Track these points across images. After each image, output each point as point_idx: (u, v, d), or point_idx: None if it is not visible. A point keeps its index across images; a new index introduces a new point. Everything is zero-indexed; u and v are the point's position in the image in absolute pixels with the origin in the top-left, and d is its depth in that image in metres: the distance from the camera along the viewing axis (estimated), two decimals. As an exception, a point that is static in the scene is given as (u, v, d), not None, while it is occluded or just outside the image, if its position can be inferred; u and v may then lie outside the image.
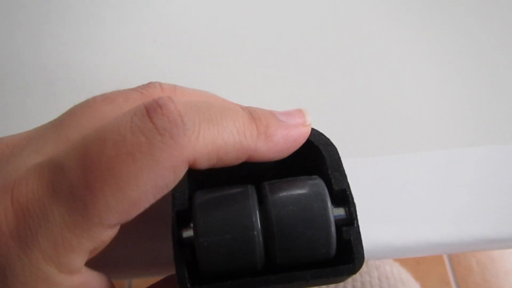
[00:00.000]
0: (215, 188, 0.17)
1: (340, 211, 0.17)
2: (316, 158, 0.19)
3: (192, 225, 0.17)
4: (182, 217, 0.17)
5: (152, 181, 0.15)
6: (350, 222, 0.17)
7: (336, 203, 0.17)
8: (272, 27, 0.28)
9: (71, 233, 0.15)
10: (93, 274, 0.17)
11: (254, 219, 0.16)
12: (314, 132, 0.19)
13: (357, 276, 0.45)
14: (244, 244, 0.16)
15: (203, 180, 0.18)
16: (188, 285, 0.16)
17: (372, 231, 0.22)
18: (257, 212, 0.16)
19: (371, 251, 0.22)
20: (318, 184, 0.17)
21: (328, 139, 0.19)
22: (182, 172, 0.16)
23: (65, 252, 0.15)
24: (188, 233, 0.17)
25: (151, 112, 0.15)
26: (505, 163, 0.24)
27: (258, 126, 0.17)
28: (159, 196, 0.16)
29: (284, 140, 0.18)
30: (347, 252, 0.17)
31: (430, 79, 0.26)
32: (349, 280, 0.44)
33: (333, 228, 0.16)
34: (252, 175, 0.18)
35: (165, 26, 0.28)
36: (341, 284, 0.44)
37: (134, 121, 0.15)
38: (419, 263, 0.87)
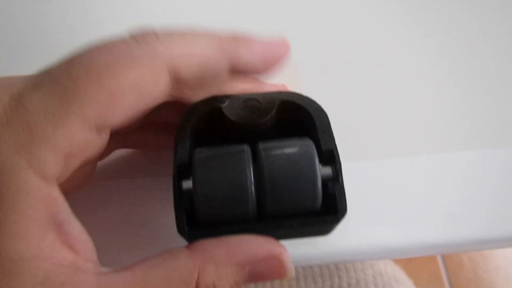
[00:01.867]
0: (214, 146, 0.19)
1: (327, 169, 0.19)
2: (308, 122, 0.20)
3: (191, 177, 0.18)
4: (183, 170, 0.18)
5: (130, 77, 0.16)
6: (335, 179, 0.18)
7: (324, 162, 0.19)
8: (269, 28, 0.29)
9: (48, 121, 0.15)
10: (64, 205, 0.17)
11: (248, 172, 0.18)
12: (307, 99, 0.20)
13: (352, 273, 0.45)
14: (238, 194, 0.18)
15: (204, 141, 0.20)
16: (186, 229, 0.18)
17: (368, 233, 0.23)
18: (251, 166, 0.18)
19: (367, 252, 0.22)
20: (307, 143, 0.19)
21: (320, 106, 0.20)
22: (162, 80, 0.17)
23: (38, 141, 0.15)
24: (187, 184, 0.18)
25: (131, 33, 0.18)
26: (496, 166, 0.24)
27: (236, 37, 0.19)
28: (141, 103, 0.17)
29: (264, 50, 0.19)
30: (332, 205, 0.18)
31: (424, 84, 0.27)
32: (344, 277, 0.45)
33: (319, 182, 0.18)
34: (249, 137, 0.20)
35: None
36: (336, 281, 0.44)
37: (116, 38, 0.17)
38: (412, 260, 0.88)
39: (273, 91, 0.20)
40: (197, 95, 0.20)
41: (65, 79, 0.16)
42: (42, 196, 0.16)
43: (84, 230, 0.17)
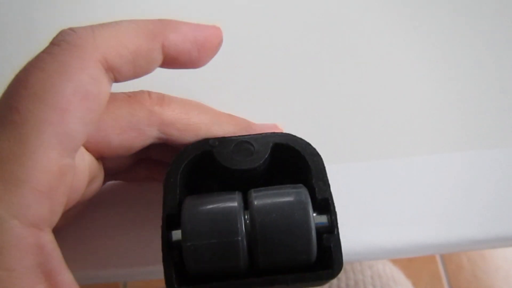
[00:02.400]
0: (205, 194, 0.18)
1: (323, 219, 0.18)
2: (302, 167, 0.19)
3: (181, 228, 0.17)
4: (172, 221, 0.18)
5: (70, 86, 0.16)
6: (331, 230, 0.18)
7: (319, 211, 0.18)
8: (265, 31, 0.29)
9: (13, 163, 0.15)
10: (55, 252, 0.16)
11: (239, 225, 0.17)
12: (301, 142, 0.20)
13: (351, 274, 0.45)
14: (229, 248, 0.17)
15: (196, 185, 0.19)
16: (175, 285, 0.17)
17: (365, 233, 0.23)
18: (242, 218, 0.17)
19: (364, 252, 0.22)
20: (301, 192, 0.18)
21: (315, 149, 0.19)
22: (100, 77, 0.16)
23: (13, 188, 0.14)
24: (177, 235, 0.17)
25: (52, 41, 0.17)
26: (493, 166, 0.24)
27: (164, 22, 0.18)
28: (92, 105, 0.16)
29: (194, 32, 0.19)
30: (327, 258, 0.18)
31: (421, 85, 0.27)
32: (343, 278, 0.45)
33: (313, 236, 0.17)
34: (241, 184, 0.19)
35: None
36: (335, 282, 0.44)
37: (39, 53, 0.17)
38: (411, 261, 0.88)
39: (266, 133, 0.20)
40: (184, 137, 0.19)
41: (8, 115, 0.15)
42: (29, 245, 0.15)
43: (73, 280, 0.16)
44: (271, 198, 0.18)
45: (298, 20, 0.29)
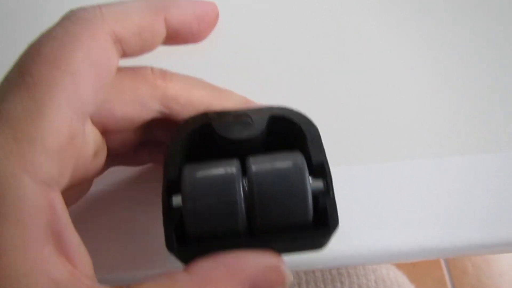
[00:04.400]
0: (204, 162, 0.19)
1: (319, 182, 0.18)
2: (298, 136, 0.20)
3: (181, 193, 0.18)
4: (173, 187, 0.18)
5: (80, 54, 0.16)
6: (326, 192, 0.18)
7: (315, 175, 0.19)
8: (264, 35, 0.29)
9: (28, 122, 0.15)
10: (64, 212, 0.16)
11: (237, 186, 0.17)
12: (297, 113, 0.20)
13: (354, 279, 0.45)
14: (227, 209, 0.17)
15: (195, 157, 0.20)
16: (175, 246, 0.17)
17: (367, 237, 0.23)
18: (240, 180, 0.18)
19: (367, 255, 0.22)
20: (297, 157, 0.18)
21: (310, 119, 0.20)
22: (110, 47, 0.17)
23: (27, 145, 0.15)
24: (177, 200, 0.18)
25: (62, 16, 0.18)
26: (494, 171, 0.24)
27: None
28: (102, 76, 0.17)
29: (194, 7, 0.20)
30: (324, 218, 0.18)
31: (421, 88, 0.27)
32: (346, 283, 0.45)
33: (309, 196, 0.18)
34: (240, 153, 0.20)
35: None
36: (338, 286, 0.44)
37: (50, 27, 0.17)
38: (416, 266, 0.88)
39: (263, 106, 0.21)
40: (186, 111, 0.20)
41: (22, 78, 0.16)
42: (41, 203, 0.15)
43: (81, 242, 0.17)
44: (268, 163, 0.18)
45: (298, 24, 0.29)
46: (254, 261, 0.17)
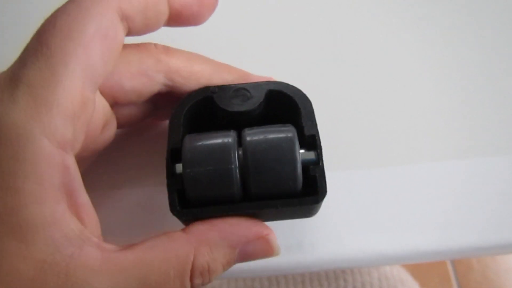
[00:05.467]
0: (204, 132, 0.20)
1: (311, 154, 0.20)
2: (294, 110, 0.21)
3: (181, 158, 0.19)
4: (175, 155, 0.20)
5: (92, 26, 0.18)
6: (317, 163, 0.20)
7: (307, 147, 0.20)
8: (266, 32, 0.29)
9: (45, 88, 0.17)
10: (76, 173, 0.18)
11: (232, 155, 0.19)
12: (293, 88, 0.21)
13: (357, 276, 0.46)
14: (223, 175, 0.19)
15: (197, 129, 0.21)
16: (178, 208, 0.19)
17: (368, 240, 0.23)
18: (236, 149, 0.19)
19: (367, 259, 0.23)
20: (288, 129, 0.20)
21: (305, 94, 0.21)
22: (117, 22, 0.19)
23: (44, 109, 0.16)
24: (179, 167, 0.20)
25: None
26: (498, 173, 0.25)
27: None
28: (111, 48, 0.18)
29: None
30: (313, 187, 0.19)
31: (421, 92, 0.27)
32: (350, 280, 0.45)
33: (298, 165, 0.19)
34: (238, 125, 0.21)
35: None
36: (342, 284, 0.45)
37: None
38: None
39: (262, 81, 0.22)
40: (188, 84, 0.21)
41: (39, 48, 0.17)
42: (57, 163, 0.17)
43: (91, 203, 0.18)
44: (261, 134, 0.20)
45: (298, 27, 0.29)
46: (246, 229, 0.19)
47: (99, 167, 0.24)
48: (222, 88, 0.22)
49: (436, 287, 0.89)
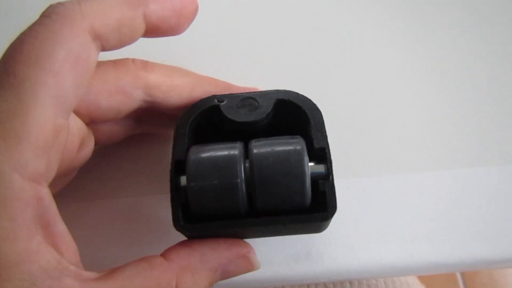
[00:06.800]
0: (209, 143, 0.20)
1: (320, 167, 0.19)
2: (303, 120, 0.21)
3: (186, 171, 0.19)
4: (180, 167, 0.19)
5: (62, 53, 0.17)
6: (326, 177, 0.19)
7: (316, 160, 0.19)
8: (266, 32, 0.29)
9: (13, 120, 0.16)
10: (51, 204, 0.17)
11: (238, 168, 0.18)
12: (302, 97, 0.21)
13: (363, 280, 0.46)
14: (229, 189, 0.18)
15: (203, 139, 0.21)
16: (181, 222, 0.19)
17: (378, 251, 0.23)
18: (242, 162, 0.18)
19: (376, 270, 0.23)
20: (297, 141, 0.19)
21: (315, 104, 0.21)
22: (89, 44, 0.18)
23: (13, 143, 0.16)
24: (184, 180, 0.19)
25: (41, 13, 0.18)
26: (497, 184, 0.24)
27: None
28: (81, 70, 0.17)
29: (170, 1, 0.20)
30: (323, 203, 0.19)
31: (422, 102, 0.27)
32: (355, 283, 0.45)
33: (307, 179, 0.18)
34: (245, 135, 0.20)
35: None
36: (347, 287, 0.45)
37: (29, 25, 0.18)
38: (427, 262, 0.87)
39: (271, 90, 0.21)
40: (169, 98, 0.21)
41: (6, 78, 0.16)
42: (29, 198, 0.16)
43: (67, 231, 0.18)
44: (269, 146, 0.19)
45: (298, 32, 0.29)
46: (226, 250, 0.19)
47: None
48: (229, 97, 0.21)
49: (442, 288, 0.89)
